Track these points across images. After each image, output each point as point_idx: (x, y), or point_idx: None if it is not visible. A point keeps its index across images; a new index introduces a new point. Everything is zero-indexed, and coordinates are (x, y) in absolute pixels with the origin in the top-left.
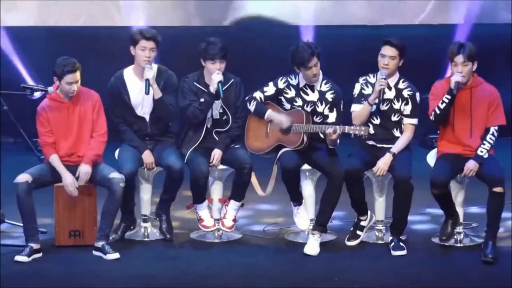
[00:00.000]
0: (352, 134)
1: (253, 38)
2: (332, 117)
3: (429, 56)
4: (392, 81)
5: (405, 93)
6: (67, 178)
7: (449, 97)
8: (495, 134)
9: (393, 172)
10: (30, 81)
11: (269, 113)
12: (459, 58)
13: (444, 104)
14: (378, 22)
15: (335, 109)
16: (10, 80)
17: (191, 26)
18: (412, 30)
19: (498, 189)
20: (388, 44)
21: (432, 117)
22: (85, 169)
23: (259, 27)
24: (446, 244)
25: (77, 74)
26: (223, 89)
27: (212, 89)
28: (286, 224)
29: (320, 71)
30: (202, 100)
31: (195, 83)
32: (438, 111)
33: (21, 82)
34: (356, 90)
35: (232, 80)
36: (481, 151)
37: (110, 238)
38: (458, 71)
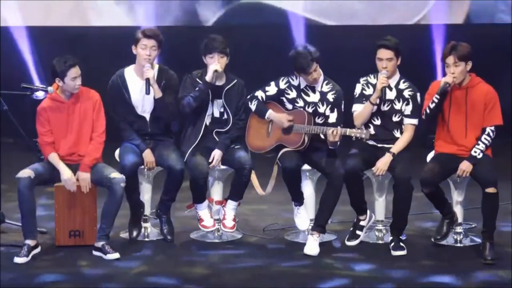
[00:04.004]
0: (354, 137)
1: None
2: (333, 117)
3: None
4: (392, 82)
5: (406, 93)
6: (66, 172)
7: (438, 97)
8: (491, 134)
9: (393, 172)
10: (37, 81)
11: (270, 112)
12: (450, 59)
13: (433, 104)
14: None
15: (336, 110)
16: (13, 80)
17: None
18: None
19: (490, 190)
20: (383, 47)
21: (423, 116)
22: (83, 177)
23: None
24: (443, 243)
25: (78, 68)
26: (226, 88)
27: (208, 78)
28: (286, 224)
29: (321, 71)
30: (197, 88)
31: (197, 79)
32: (428, 111)
33: (22, 81)
34: (357, 90)
35: (236, 80)
36: (475, 152)
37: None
38: (450, 72)
